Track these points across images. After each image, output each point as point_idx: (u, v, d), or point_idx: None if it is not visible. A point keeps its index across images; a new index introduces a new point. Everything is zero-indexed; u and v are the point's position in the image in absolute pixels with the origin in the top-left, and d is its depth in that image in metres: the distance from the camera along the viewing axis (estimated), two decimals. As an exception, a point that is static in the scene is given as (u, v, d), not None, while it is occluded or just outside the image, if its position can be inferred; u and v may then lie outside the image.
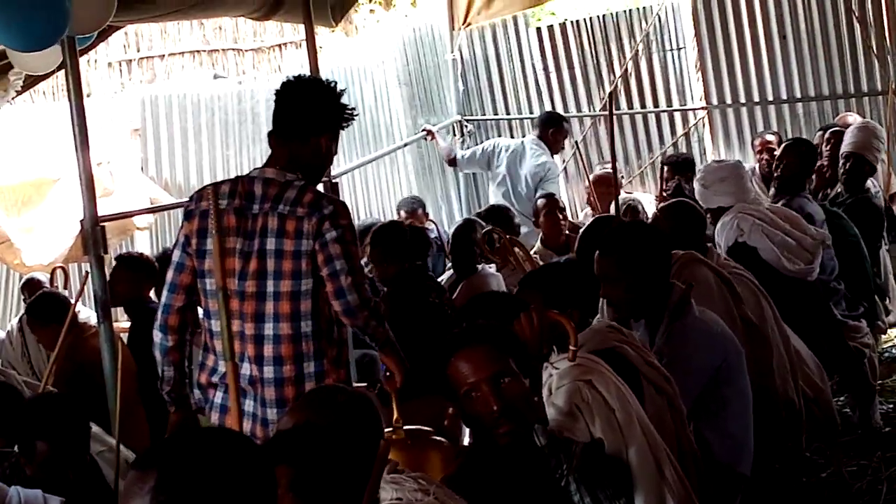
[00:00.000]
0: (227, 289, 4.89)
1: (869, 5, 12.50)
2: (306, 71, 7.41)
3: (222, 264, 4.70)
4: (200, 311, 5.44)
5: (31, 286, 9.35)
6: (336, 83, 5.25)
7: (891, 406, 8.26)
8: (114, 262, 7.33)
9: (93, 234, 5.75)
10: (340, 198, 7.53)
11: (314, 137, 5.16)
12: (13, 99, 7.86)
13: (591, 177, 10.53)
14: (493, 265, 7.83)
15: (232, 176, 5.42)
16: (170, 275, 5.23)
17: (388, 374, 5.39)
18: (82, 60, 6.40)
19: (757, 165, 10.18)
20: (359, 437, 3.41)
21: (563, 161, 12.16)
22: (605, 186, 10.19)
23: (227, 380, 4.74)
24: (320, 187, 6.17)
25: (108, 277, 6.12)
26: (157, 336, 5.24)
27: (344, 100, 5.23)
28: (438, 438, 4.34)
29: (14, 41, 5.56)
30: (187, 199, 5.39)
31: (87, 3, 5.54)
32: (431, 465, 4.16)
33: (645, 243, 5.48)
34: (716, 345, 5.30)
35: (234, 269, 5.01)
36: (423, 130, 12.38)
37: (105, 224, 5.82)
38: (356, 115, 5.35)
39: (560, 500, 3.97)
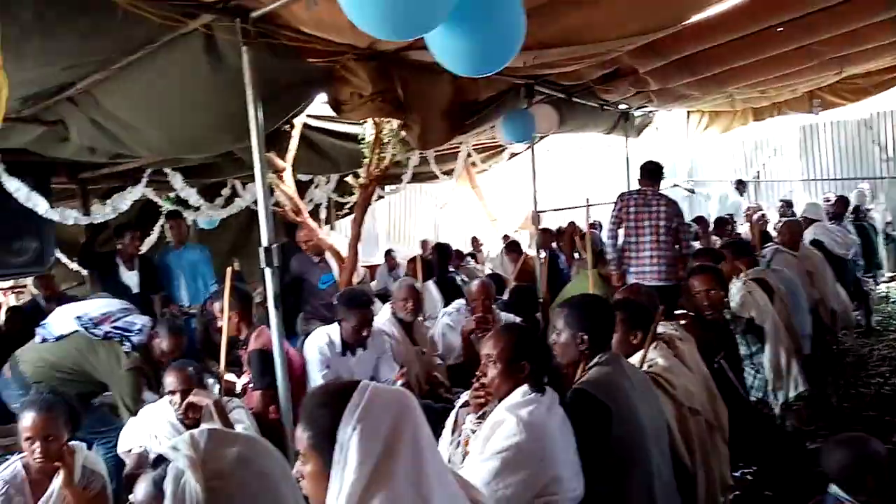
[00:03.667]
0: (644, 234, 5.58)
1: None
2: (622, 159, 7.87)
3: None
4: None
5: (505, 238, 9.60)
6: (658, 163, 5.93)
7: (880, 318, 8.38)
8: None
9: (536, 216, 5.99)
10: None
11: (660, 181, 5.81)
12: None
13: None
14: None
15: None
16: (609, 223, 5.81)
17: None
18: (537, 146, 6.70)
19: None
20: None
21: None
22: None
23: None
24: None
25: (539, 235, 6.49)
26: (605, 238, 5.93)
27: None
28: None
29: (517, 138, 5.56)
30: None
31: (543, 121, 5.59)
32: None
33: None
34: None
35: (642, 223, 5.62)
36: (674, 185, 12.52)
37: (542, 212, 6.12)
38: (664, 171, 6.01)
39: (734, 342, 4.01)
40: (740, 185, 11.58)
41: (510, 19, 2.56)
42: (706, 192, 12.58)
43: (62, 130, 3.87)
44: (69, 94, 3.48)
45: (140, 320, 3.97)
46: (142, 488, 1.26)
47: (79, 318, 3.92)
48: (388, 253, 9.24)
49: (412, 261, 6.23)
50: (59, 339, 3.91)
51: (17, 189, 4.45)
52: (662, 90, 6.34)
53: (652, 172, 5.83)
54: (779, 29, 4.99)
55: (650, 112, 8.35)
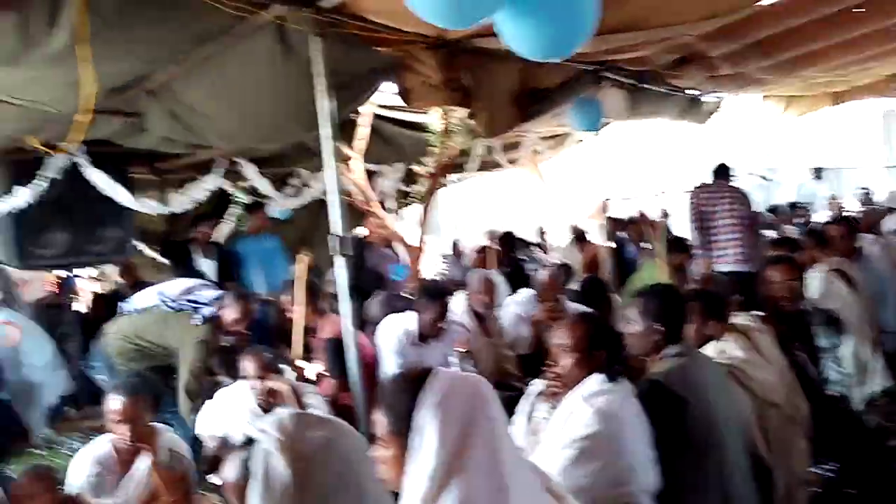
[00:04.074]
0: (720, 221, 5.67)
1: None
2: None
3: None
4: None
5: (574, 229, 8.90)
6: (725, 163, 6.02)
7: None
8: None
9: (602, 205, 6.40)
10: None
11: (730, 177, 5.95)
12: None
13: None
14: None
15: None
16: (690, 215, 5.82)
17: None
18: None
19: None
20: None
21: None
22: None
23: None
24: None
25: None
26: (690, 229, 5.89)
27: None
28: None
29: (587, 126, 5.36)
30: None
31: (611, 107, 5.38)
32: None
33: None
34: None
35: (718, 212, 5.71)
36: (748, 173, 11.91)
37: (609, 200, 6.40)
38: (732, 169, 6.08)
39: (810, 333, 3.92)
40: (818, 173, 11.33)
41: (583, 1, 2.48)
42: (781, 179, 12.29)
43: (141, 122, 3.93)
44: (148, 86, 3.54)
45: (213, 293, 4.05)
46: (231, 468, 1.28)
47: (160, 293, 4.08)
48: (455, 242, 9.24)
49: (480, 250, 6.17)
50: (137, 311, 4.07)
51: (100, 179, 4.51)
52: (734, 75, 6.14)
53: (721, 172, 6.05)
54: (858, 9, 4.82)
55: (719, 98, 8.19)
